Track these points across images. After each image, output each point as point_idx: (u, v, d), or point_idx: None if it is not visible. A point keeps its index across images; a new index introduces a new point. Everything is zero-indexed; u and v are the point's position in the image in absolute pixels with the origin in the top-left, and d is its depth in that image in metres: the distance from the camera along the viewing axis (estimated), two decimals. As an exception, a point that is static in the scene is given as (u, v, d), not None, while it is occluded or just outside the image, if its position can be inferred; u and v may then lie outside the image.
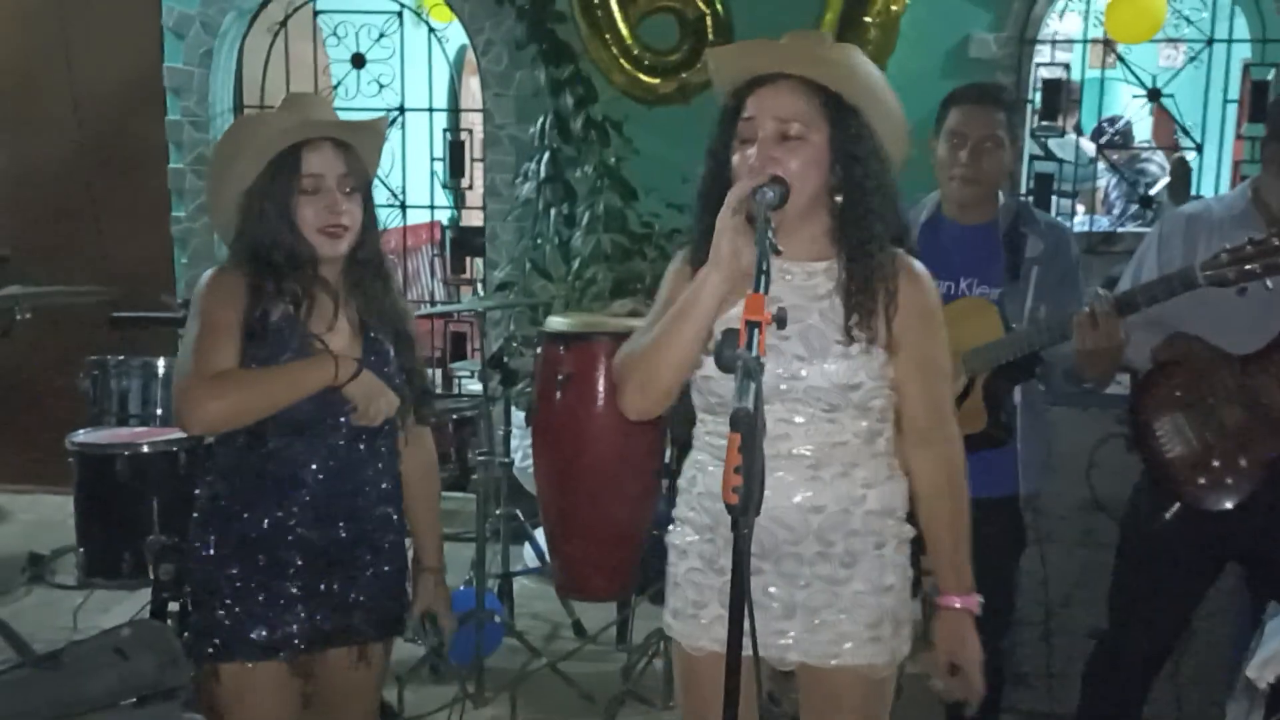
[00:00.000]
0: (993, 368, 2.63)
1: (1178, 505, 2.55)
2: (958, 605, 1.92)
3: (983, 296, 2.70)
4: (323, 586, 2.13)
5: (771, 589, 1.88)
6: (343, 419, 2.09)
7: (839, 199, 1.83)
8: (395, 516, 2.23)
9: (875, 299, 1.83)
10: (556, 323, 3.53)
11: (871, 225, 1.82)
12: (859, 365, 1.82)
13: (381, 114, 2.29)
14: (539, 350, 3.54)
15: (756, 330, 1.44)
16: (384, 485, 2.19)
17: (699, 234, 1.86)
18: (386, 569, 2.21)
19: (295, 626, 2.11)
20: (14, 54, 5.47)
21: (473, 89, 8.21)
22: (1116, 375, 2.65)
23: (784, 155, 1.78)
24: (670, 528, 2.03)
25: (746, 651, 1.79)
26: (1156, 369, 2.58)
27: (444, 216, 7.28)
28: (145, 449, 3.58)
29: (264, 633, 2.08)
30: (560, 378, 3.36)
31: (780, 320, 1.49)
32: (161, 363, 3.84)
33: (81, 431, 3.72)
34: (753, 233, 1.69)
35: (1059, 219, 3.72)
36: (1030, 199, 4.85)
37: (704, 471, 1.95)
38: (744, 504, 1.43)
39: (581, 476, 3.39)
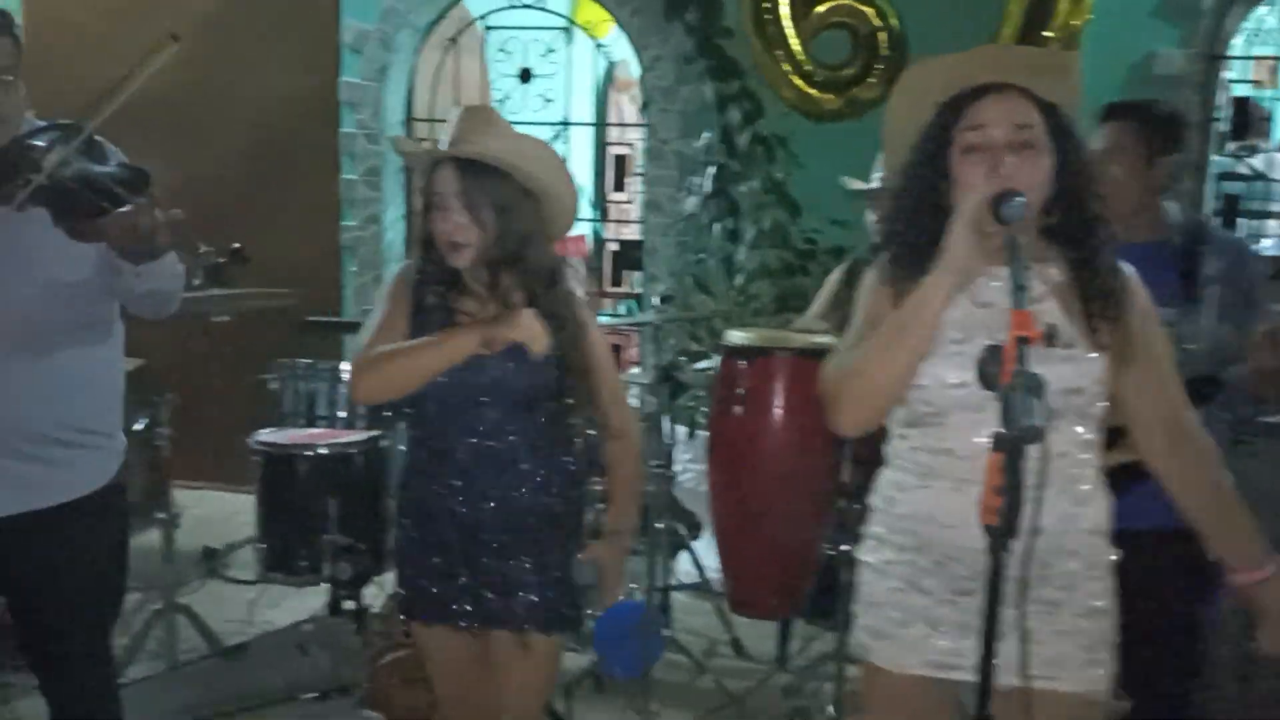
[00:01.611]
0: None
1: None
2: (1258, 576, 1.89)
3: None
4: (485, 562, 2.21)
5: None
6: (484, 398, 2.16)
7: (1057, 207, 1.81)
8: (559, 512, 2.24)
9: (1103, 304, 1.80)
10: (737, 337, 3.49)
11: (1101, 231, 1.81)
12: (1078, 369, 1.76)
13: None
14: (717, 364, 3.52)
15: (1027, 347, 1.40)
16: (540, 475, 2.21)
17: (901, 248, 1.84)
18: (554, 565, 2.23)
19: (461, 598, 2.23)
20: (195, 63, 5.66)
21: (619, 104, 8.29)
22: None
23: (1021, 163, 1.74)
24: (865, 544, 1.98)
25: (949, 674, 1.75)
26: None
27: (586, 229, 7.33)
28: (324, 450, 3.67)
29: (435, 597, 2.25)
30: (740, 392, 3.34)
31: (1050, 336, 1.44)
32: (345, 366, 3.92)
33: (265, 431, 3.82)
34: (984, 237, 1.67)
35: (1239, 236, 3.54)
36: (1219, 220, 4.65)
37: (904, 491, 1.89)
38: (1005, 526, 1.39)
39: (758, 492, 3.35)
